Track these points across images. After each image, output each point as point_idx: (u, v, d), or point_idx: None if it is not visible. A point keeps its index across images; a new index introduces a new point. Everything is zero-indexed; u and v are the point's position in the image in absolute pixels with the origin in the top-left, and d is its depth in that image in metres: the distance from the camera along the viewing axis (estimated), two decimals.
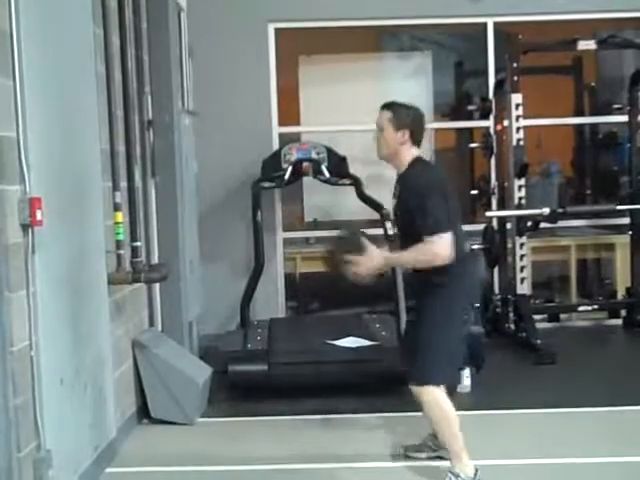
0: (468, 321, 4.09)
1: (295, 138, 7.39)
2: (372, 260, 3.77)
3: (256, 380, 5.30)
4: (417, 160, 3.88)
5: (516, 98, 6.52)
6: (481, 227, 7.21)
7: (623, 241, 7.47)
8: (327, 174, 6.56)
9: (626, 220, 7.25)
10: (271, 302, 7.14)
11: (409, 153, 3.88)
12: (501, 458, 4.13)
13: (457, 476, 3.74)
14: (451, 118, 9.02)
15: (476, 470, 3.76)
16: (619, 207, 7.11)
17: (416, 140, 3.91)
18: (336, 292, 7.79)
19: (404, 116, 3.90)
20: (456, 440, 3.80)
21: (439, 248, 3.65)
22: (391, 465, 4.14)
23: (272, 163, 6.65)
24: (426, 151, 8.56)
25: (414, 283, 4.07)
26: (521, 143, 6.52)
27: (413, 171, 3.86)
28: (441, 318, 3.78)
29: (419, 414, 3.99)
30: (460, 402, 4.74)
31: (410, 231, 3.80)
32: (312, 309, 7.91)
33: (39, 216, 3.30)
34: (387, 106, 3.96)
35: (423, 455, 4.17)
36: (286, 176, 6.53)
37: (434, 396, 3.79)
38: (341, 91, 8.20)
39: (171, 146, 5.45)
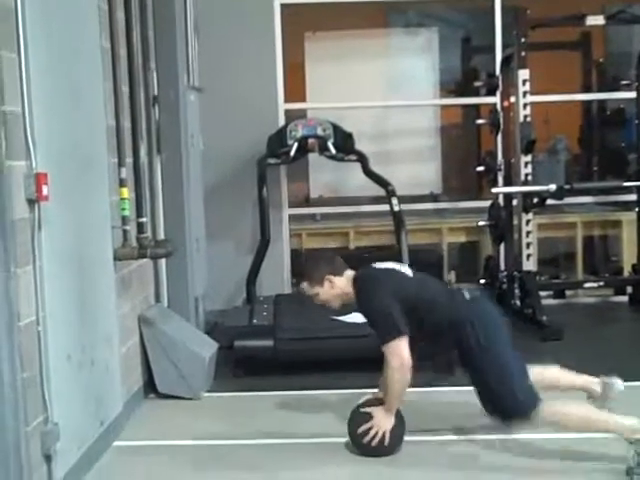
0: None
1: (301, 114, 7.37)
2: (384, 423, 3.88)
3: (262, 355, 5.32)
4: (355, 282, 3.98)
5: (523, 74, 6.48)
6: (487, 203, 7.21)
7: (630, 218, 7.44)
8: (333, 150, 6.54)
9: (633, 197, 7.23)
10: (277, 278, 7.15)
11: (346, 285, 4.00)
12: (504, 434, 4.14)
13: (632, 442, 3.58)
14: (458, 94, 9.00)
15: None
16: (626, 184, 7.10)
17: (338, 272, 4.02)
18: None
19: (315, 272, 4.04)
20: (600, 424, 3.73)
21: (396, 359, 3.75)
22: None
23: (278, 139, 6.63)
24: (432, 128, 8.63)
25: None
26: (528, 119, 6.49)
27: (359, 294, 3.96)
28: (482, 347, 3.80)
29: (423, 389, 4.01)
30: (464, 378, 4.77)
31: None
32: None
33: (45, 191, 3.31)
34: (299, 278, 4.21)
35: None
36: (292, 152, 6.52)
37: (546, 416, 3.73)
38: (347, 68, 8.18)
39: (177, 122, 5.45)
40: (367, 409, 3.96)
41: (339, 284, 4.00)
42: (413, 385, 3.89)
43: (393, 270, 4.09)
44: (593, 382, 4.13)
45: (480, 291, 4.29)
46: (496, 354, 3.82)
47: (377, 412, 3.91)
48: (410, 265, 4.44)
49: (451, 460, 3.91)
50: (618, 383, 4.10)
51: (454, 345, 3.92)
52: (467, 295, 4.06)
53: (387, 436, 3.89)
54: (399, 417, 3.94)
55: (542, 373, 4.03)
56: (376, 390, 4.16)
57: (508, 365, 3.82)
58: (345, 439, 4.06)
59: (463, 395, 4.12)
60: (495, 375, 3.79)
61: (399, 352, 3.76)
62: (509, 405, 3.77)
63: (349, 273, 4.04)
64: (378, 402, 3.99)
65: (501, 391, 3.77)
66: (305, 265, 4.27)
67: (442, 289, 4.20)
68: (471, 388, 3.93)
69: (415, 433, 4.07)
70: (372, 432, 3.88)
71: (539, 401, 3.73)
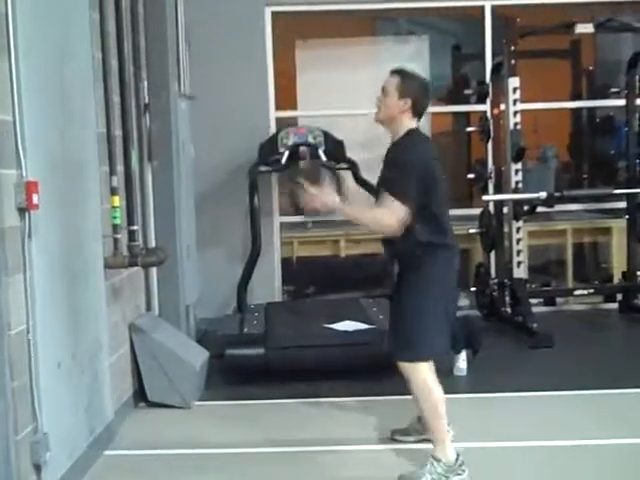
0: (454, 300, 4.03)
1: (292, 122, 7.37)
2: (327, 197, 3.71)
3: (253, 364, 5.31)
4: (412, 132, 3.84)
5: (513, 82, 6.51)
6: (478, 211, 7.22)
7: (620, 225, 7.47)
8: (324, 158, 6.55)
9: (623, 204, 7.25)
10: (268, 286, 7.14)
11: (407, 123, 3.84)
12: (497, 440, 4.16)
13: (439, 460, 3.68)
14: (448, 102, 9.01)
15: (457, 455, 3.70)
16: (616, 191, 7.11)
17: (417, 111, 3.86)
18: (333, 276, 7.85)
19: (411, 85, 3.85)
20: (439, 423, 3.74)
21: (390, 216, 3.62)
22: (378, 448, 4.16)
23: (269, 147, 6.63)
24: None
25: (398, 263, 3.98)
26: (518, 127, 6.52)
27: (403, 143, 3.82)
28: (423, 289, 3.75)
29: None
30: (456, 385, 4.78)
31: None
32: (309, 293, 7.92)
33: (35, 200, 3.30)
34: (396, 72, 3.91)
35: (410, 439, 4.16)
36: (283, 160, 6.52)
37: (422, 376, 3.73)
38: (338, 75, 8.18)
39: (168, 130, 5.45)
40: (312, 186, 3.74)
41: (406, 114, 3.81)
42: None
43: (438, 165, 3.89)
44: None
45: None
46: (428, 301, 3.74)
47: (333, 193, 3.76)
48: None
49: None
50: None
51: (417, 264, 3.78)
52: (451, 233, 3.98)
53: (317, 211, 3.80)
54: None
55: None
56: (369, 398, 4.16)
57: (433, 312, 3.75)
58: (338, 447, 4.05)
59: (462, 401, 4.11)
60: (414, 316, 3.74)
61: (398, 213, 3.61)
62: (405, 342, 3.77)
63: (415, 123, 3.87)
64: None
65: (407, 327, 3.76)
66: (412, 74, 3.92)
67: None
68: (469, 395, 3.91)
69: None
70: (312, 200, 3.70)
71: (429, 359, 3.74)
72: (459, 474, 3.69)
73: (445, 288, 3.83)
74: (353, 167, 6.67)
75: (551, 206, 6.65)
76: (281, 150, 6.53)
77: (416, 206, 3.66)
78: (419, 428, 4.12)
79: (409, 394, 3.88)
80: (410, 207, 3.63)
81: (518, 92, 6.50)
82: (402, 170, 3.70)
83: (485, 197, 7.04)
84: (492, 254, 7.20)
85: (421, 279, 3.77)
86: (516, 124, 6.51)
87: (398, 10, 7.95)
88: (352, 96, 7.93)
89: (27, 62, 3.32)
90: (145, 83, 5.29)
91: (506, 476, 3.79)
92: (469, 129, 7.77)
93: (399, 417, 4.24)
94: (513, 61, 6.50)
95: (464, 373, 5.30)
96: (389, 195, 3.65)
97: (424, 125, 8.50)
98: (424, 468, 3.69)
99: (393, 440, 4.19)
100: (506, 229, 6.85)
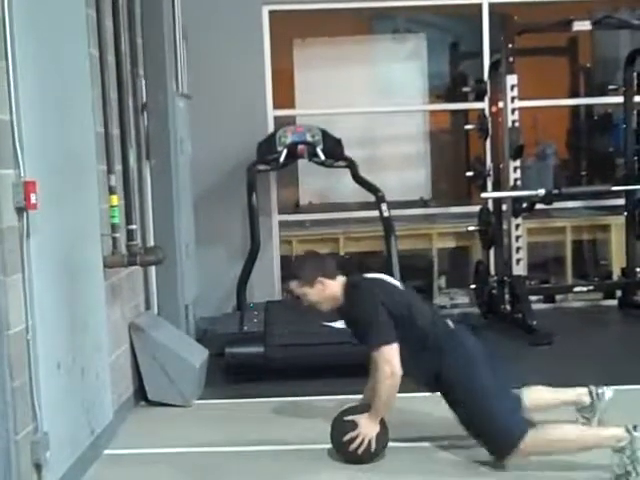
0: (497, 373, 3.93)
1: (290, 121, 7.37)
2: (369, 430, 3.85)
3: (252, 362, 5.31)
4: (346, 289, 3.95)
5: (511, 79, 6.50)
6: (477, 209, 7.22)
7: (618, 222, 7.47)
8: (322, 157, 6.55)
9: (621, 201, 7.25)
10: (267, 285, 7.14)
11: (337, 289, 3.95)
12: None
13: (618, 450, 3.52)
14: (446, 100, 9.01)
15: (627, 428, 3.55)
16: (614, 188, 7.11)
17: (333, 274, 3.97)
18: None
19: (306, 272, 3.97)
20: (587, 440, 3.66)
21: (387, 366, 3.72)
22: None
23: (267, 146, 6.63)
24: (421, 133, 8.65)
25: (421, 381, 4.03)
26: (516, 124, 6.51)
27: (350, 301, 3.92)
28: (465, 382, 3.77)
29: (414, 395, 4.00)
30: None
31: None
32: None
33: (33, 199, 3.30)
34: (289, 278, 4.09)
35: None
36: (281, 159, 6.52)
37: (532, 447, 3.64)
38: (336, 74, 8.19)
39: (165, 129, 5.44)
40: (350, 417, 3.92)
41: (331, 287, 3.95)
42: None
43: (384, 281, 4.08)
44: (581, 394, 4.11)
45: (462, 323, 4.25)
46: (475, 389, 3.76)
47: (362, 420, 3.87)
48: (401, 279, 4.40)
49: (434, 468, 3.88)
50: (607, 392, 4.10)
51: (431, 369, 3.86)
52: (450, 325, 4.01)
53: (372, 443, 3.85)
54: (383, 424, 3.90)
55: (527, 396, 3.94)
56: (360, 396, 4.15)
57: (488, 400, 3.74)
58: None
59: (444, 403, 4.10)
60: (477, 410, 3.73)
61: (390, 359, 3.74)
62: (494, 440, 3.71)
63: (341, 278, 4.00)
64: (361, 409, 3.95)
65: (485, 426, 3.73)
66: (297, 264, 4.18)
67: (428, 311, 4.07)
68: None
69: (399, 440, 4.05)
70: (358, 440, 3.83)
71: (525, 431, 3.62)
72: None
73: (478, 366, 3.84)
74: (351, 165, 6.67)
75: (550, 203, 6.65)
76: (279, 149, 6.53)
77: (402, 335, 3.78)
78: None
79: (409, 392, 3.89)
80: (395, 342, 3.75)
81: (516, 89, 6.49)
82: (368, 318, 3.82)
83: (484, 194, 7.04)
84: (491, 251, 7.20)
85: (454, 375, 3.80)
86: (514, 122, 6.51)
87: (396, 8, 7.95)
88: (350, 94, 7.95)
89: (24, 61, 3.31)
90: (143, 82, 5.29)
91: (507, 475, 3.79)
92: (467, 127, 7.77)
93: (399, 414, 4.22)
94: (511, 59, 6.49)
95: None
96: (373, 352, 3.78)
97: (421, 124, 8.61)
98: (618, 463, 3.54)
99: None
100: (505, 226, 6.85)
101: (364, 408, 3.94)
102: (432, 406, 4.18)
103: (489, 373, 3.83)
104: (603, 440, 3.62)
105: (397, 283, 4.17)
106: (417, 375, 3.91)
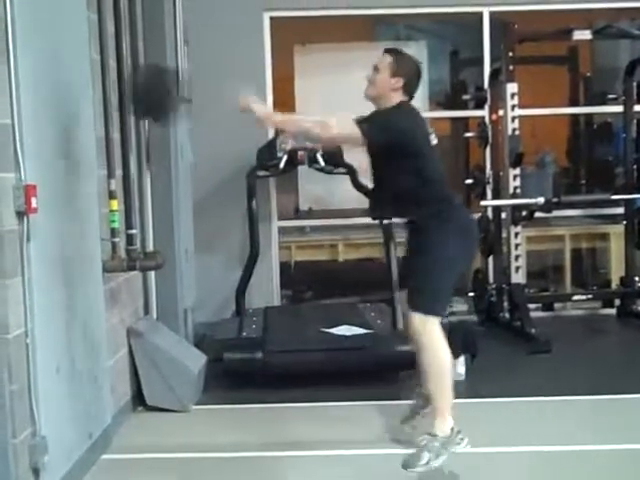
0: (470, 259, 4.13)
1: None
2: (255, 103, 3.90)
3: (251, 368, 5.30)
4: (403, 103, 3.93)
5: (511, 87, 6.52)
6: (476, 216, 7.21)
7: (617, 231, 7.48)
8: (322, 163, 6.56)
9: (620, 210, 7.26)
10: (266, 290, 7.14)
11: (397, 96, 3.92)
12: (495, 446, 4.14)
13: (435, 436, 3.67)
14: (446, 107, 9.01)
15: (452, 429, 3.70)
16: (613, 197, 7.12)
17: (408, 92, 3.94)
18: (331, 281, 7.84)
19: (403, 65, 3.94)
20: (444, 393, 3.75)
21: (333, 123, 3.72)
22: (378, 452, 4.13)
23: (267, 152, 6.63)
24: None
25: (410, 226, 4.07)
26: (516, 132, 6.52)
27: (391, 108, 3.92)
28: (444, 240, 3.80)
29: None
30: (454, 390, 4.77)
31: (389, 172, 3.89)
32: (307, 297, 7.91)
33: (34, 203, 3.30)
34: (389, 51, 4.01)
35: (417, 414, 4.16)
36: (281, 165, 6.52)
37: (434, 337, 3.78)
38: (336, 80, 8.18)
39: (166, 134, 5.43)
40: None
41: (397, 93, 3.90)
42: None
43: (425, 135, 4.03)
44: None
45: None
46: (451, 264, 3.85)
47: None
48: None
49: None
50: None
51: (423, 217, 3.89)
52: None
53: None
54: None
55: None
56: (367, 403, 4.16)
57: (445, 269, 3.83)
58: (337, 452, 4.05)
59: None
60: (433, 270, 3.82)
61: (344, 125, 3.75)
62: (423, 298, 3.84)
63: (406, 99, 3.95)
64: None
65: (427, 284, 3.83)
66: (405, 54, 4.07)
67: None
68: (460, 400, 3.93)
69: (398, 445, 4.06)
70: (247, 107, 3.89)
71: (440, 316, 3.84)
72: (458, 443, 3.69)
73: (462, 246, 3.89)
74: (351, 172, 6.67)
75: (549, 211, 6.65)
76: (279, 155, 6.53)
77: (409, 168, 3.81)
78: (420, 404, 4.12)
79: (407, 399, 3.88)
80: (364, 137, 3.72)
81: (516, 98, 6.50)
82: (377, 115, 3.85)
83: (483, 202, 7.05)
84: (490, 259, 7.20)
85: (441, 233, 3.83)
86: (514, 130, 6.52)
87: (397, 16, 7.97)
88: (350, 101, 7.92)
89: (25, 65, 3.32)
90: None
91: None
92: (467, 134, 7.78)
93: (397, 422, 4.23)
94: (511, 67, 6.51)
95: (462, 378, 5.29)
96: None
97: None
98: (422, 447, 3.67)
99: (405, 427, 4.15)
100: (504, 234, 6.86)
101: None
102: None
103: (461, 252, 3.90)
104: (442, 408, 3.75)
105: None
106: (398, 208, 3.99)
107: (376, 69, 3.96)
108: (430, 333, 3.79)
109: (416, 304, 3.87)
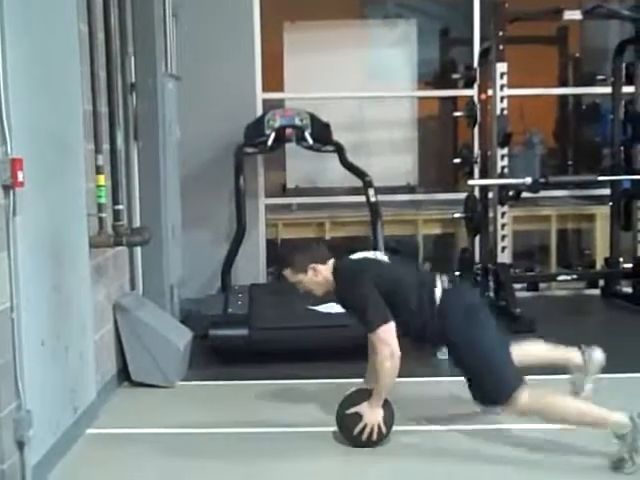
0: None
1: (279, 104, 7.35)
2: (373, 417, 3.85)
3: (236, 344, 5.32)
4: (334, 272, 3.97)
5: (501, 67, 6.50)
6: (463, 195, 7.23)
7: (603, 212, 7.51)
8: (310, 141, 6.54)
9: (607, 191, 7.29)
10: (252, 267, 7.15)
11: (328, 274, 3.97)
12: (478, 424, 4.17)
13: (620, 437, 3.55)
14: (435, 86, 9.01)
15: (630, 416, 3.55)
16: (600, 178, 7.13)
17: (322, 260, 3.99)
18: None
19: (299, 260, 3.99)
20: (595, 419, 3.63)
21: (386, 348, 3.73)
22: None
23: (255, 129, 6.61)
24: (409, 119, 8.64)
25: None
26: (505, 112, 6.52)
27: (338, 283, 3.95)
28: (467, 334, 3.79)
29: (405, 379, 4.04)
30: (439, 368, 4.80)
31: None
32: None
33: (20, 177, 3.28)
34: (282, 265, 4.10)
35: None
36: (269, 142, 6.51)
37: (534, 404, 3.69)
38: (325, 58, 8.15)
39: (154, 110, 5.42)
40: (353, 410, 3.90)
41: (324, 272, 3.97)
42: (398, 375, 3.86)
43: (368, 259, 4.08)
44: (571, 353, 4.21)
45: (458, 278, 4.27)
46: (476, 341, 3.79)
47: (365, 409, 3.86)
48: (390, 251, 4.40)
49: (438, 450, 3.90)
50: (598, 353, 4.18)
51: (433, 334, 3.91)
52: (445, 284, 4.00)
53: (382, 427, 3.86)
54: (388, 405, 3.90)
55: (523, 349, 4.02)
56: (353, 380, 4.16)
57: (488, 350, 3.79)
58: (322, 429, 4.07)
59: (444, 385, 4.13)
60: (477, 361, 3.77)
61: (388, 340, 3.73)
62: (491, 389, 3.76)
63: (330, 264, 4.00)
64: (364, 394, 3.92)
65: (484, 376, 3.76)
66: (289, 252, 4.18)
67: (415, 278, 4.06)
68: (450, 378, 3.93)
69: (402, 423, 4.07)
70: (367, 430, 3.84)
71: (522, 384, 3.70)
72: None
73: (477, 320, 3.88)
74: (339, 150, 6.66)
75: (536, 192, 6.66)
76: (267, 132, 6.51)
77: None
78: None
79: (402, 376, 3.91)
80: (390, 321, 3.76)
81: (505, 77, 6.50)
82: (360, 301, 3.82)
83: (471, 182, 7.06)
84: (477, 239, 7.22)
85: (454, 328, 3.83)
86: (503, 109, 6.51)
87: None
88: (339, 79, 7.92)
89: (12, 37, 3.29)
90: (132, 60, 5.25)
91: (486, 457, 3.81)
92: (456, 114, 7.77)
93: (403, 396, 4.23)
94: (501, 46, 6.49)
95: (447, 356, 5.31)
96: (370, 334, 3.79)
97: (410, 110, 8.59)
98: (618, 450, 3.57)
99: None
100: (491, 214, 6.87)
101: (364, 394, 3.93)
102: (440, 389, 4.19)
103: (486, 325, 3.89)
104: (602, 421, 3.62)
105: (384, 258, 4.15)
106: (420, 340, 4.00)
107: (297, 284, 4.03)
108: (529, 405, 3.71)
109: (493, 400, 3.81)
